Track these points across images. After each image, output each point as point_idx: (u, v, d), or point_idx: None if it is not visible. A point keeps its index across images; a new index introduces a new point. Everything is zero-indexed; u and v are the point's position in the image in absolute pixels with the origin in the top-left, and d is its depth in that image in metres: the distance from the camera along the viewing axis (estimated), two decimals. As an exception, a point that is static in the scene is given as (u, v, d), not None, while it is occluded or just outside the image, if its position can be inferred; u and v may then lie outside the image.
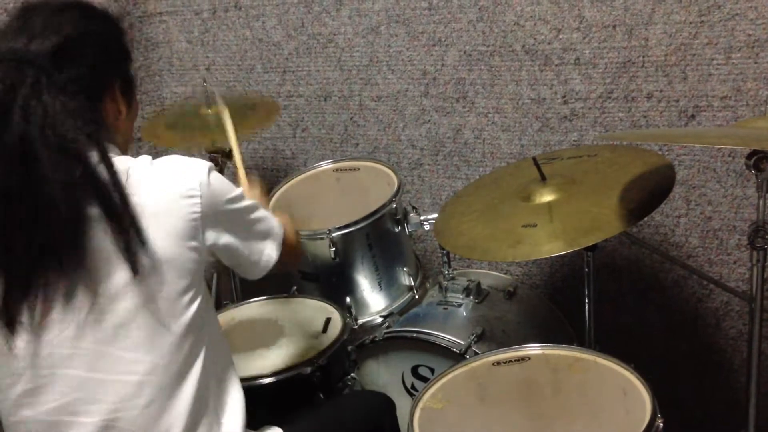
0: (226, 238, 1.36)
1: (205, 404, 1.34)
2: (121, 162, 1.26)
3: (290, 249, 1.54)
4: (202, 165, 1.31)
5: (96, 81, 1.29)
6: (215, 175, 1.32)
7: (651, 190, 1.64)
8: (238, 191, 1.38)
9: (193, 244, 1.28)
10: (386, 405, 1.80)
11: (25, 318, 1.22)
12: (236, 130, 1.87)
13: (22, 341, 1.23)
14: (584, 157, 1.92)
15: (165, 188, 1.27)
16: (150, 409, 1.26)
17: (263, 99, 2.55)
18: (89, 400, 1.25)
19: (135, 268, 1.21)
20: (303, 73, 2.60)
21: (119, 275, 1.22)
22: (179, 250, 1.26)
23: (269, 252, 1.47)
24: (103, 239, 1.21)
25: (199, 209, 1.27)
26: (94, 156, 1.21)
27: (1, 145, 1.17)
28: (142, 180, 1.25)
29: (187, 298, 1.28)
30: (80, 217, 1.19)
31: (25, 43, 1.22)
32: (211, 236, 1.32)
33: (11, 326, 1.22)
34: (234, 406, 1.41)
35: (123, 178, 1.23)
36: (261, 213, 1.46)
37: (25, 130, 1.17)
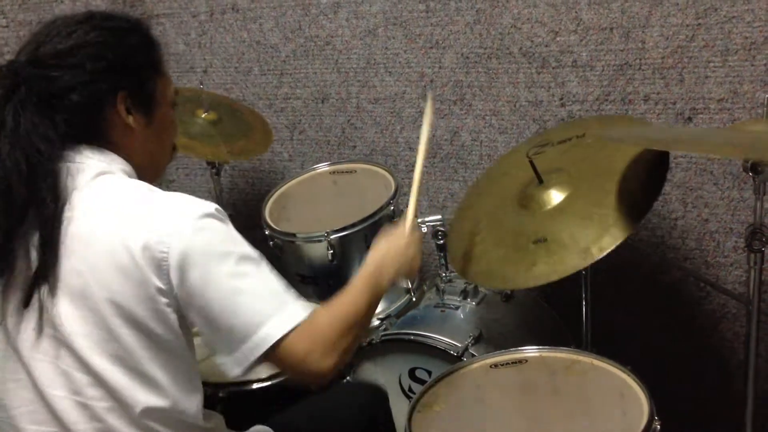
0: (197, 295, 1.23)
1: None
2: (104, 183, 1.26)
3: (322, 345, 1.26)
4: (194, 210, 1.24)
5: (95, 92, 1.27)
6: (210, 220, 1.25)
7: (648, 172, 1.62)
8: (237, 251, 1.26)
9: (160, 286, 1.22)
10: (379, 396, 1.80)
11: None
12: (229, 149, 1.82)
13: None
14: (573, 139, 1.90)
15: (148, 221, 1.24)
16: None
17: (260, 120, 2.54)
18: (36, 421, 1.26)
19: (26, 300, 1.21)
20: (300, 75, 2.60)
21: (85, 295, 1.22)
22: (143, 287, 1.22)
23: (272, 326, 1.23)
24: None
25: (168, 256, 1.21)
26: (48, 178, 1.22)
27: None
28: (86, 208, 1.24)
29: (149, 338, 1.24)
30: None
31: (18, 54, 1.25)
32: (178, 286, 1.22)
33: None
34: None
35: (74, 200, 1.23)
36: (251, 281, 1.26)
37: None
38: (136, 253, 1.19)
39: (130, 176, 1.30)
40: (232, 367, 1.25)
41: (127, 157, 1.32)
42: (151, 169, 1.37)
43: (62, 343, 1.22)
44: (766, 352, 2.15)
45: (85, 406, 1.24)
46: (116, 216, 1.23)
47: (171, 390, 1.26)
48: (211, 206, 1.26)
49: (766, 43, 1.98)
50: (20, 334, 1.24)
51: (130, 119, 1.32)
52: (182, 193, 1.27)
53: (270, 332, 1.22)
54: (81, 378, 1.23)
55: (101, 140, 1.29)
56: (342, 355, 1.28)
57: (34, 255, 1.22)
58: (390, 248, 1.47)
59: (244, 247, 1.26)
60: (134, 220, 1.22)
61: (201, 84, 2.52)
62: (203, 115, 2.35)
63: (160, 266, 1.19)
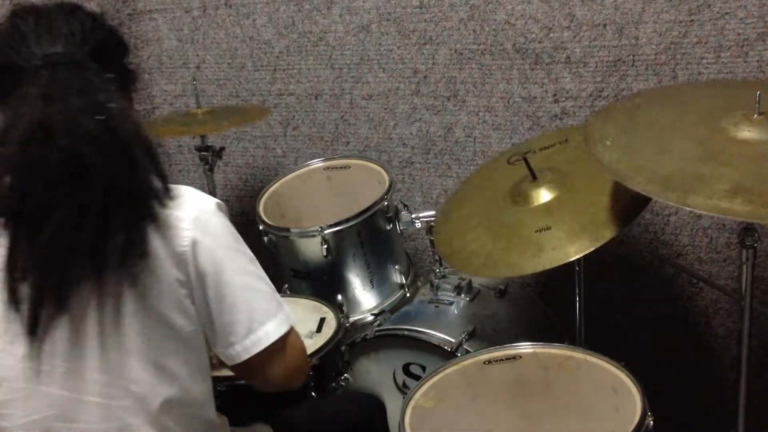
0: (211, 287, 1.26)
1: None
2: None
3: (296, 359, 1.36)
4: (205, 203, 1.27)
5: (124, 77, 1.31)
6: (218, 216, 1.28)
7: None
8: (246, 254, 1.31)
9: (179, 277, 1.23)
10: (376, 406, 1.80)
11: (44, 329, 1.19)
12: (225, 126, 1.83)
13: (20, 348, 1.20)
14: (556, 145, 1.92)
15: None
16: None
17: (254, 106, 2.56)
18: (64, 419, 1.23)
19: (144, 254, 1.19)
20: (294, 71, 2.60)
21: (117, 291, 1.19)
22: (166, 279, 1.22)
23: (273, 326, 1.30)
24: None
25: (188, 248, 1.23)
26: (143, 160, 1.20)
27: (54, 156, 1.14)
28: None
29: (170, 329, 1.24)
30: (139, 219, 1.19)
31: (64, 46, 1.19)
32: (195, 277, 1.25)
33: (34, 334, 1.19)
34: None
35: None
36: (268, 286, 1.33)
37: (70, 141, 1.14)
38: (155, 244, 1.20)
39: None
40: (228, 358, 1.31)
41: None
42: None
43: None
44: (759, 348, 2.16)
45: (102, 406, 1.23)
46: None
47: (184, 377, 1.27)
48: (218, 202, 1.30)
49: (758, 39, 1.98)
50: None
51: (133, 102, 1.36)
52: (189, 187, 1.29)
53: (271, 330, 1.29)
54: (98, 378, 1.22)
55: None
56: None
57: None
58: None
59: (245, 245, 1.32)
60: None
61: (194, 80, 2.52)
62: (198, 110, 2.36)
63: (180, 258, 1.22)
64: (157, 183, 1.21)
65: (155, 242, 1.20)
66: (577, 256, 1.61)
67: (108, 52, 1.26)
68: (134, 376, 1.22)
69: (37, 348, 1.19)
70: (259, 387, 1.41)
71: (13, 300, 1.17)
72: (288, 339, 1.32)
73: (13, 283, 1.17)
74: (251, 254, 1.32)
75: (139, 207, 1.19)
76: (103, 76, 1.20)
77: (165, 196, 1.21)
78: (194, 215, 1.24)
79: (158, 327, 1.23)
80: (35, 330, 1.18)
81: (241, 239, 1.31)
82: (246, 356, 1.29)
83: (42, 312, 1.17)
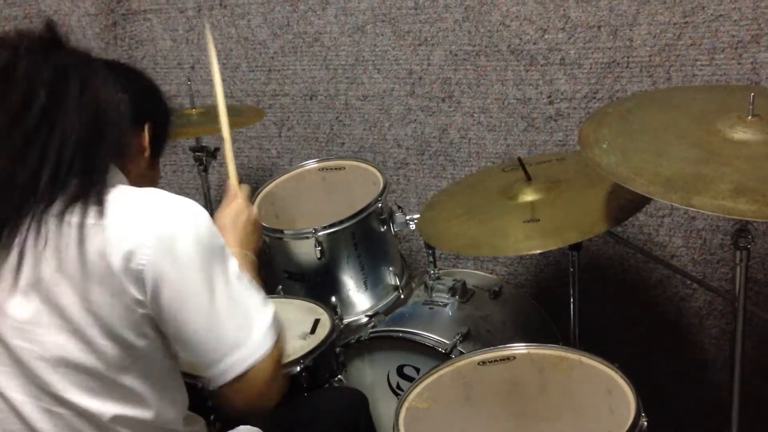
0: (170, 310, 1.15)
1: None
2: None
3: (278, 375, 1.25)
4: (172, 218, 1.16)
5: (132, 109, 1.28)
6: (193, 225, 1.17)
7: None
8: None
9: (137, 297, 1.15)
10: (360, 401, 1.80)
11: None
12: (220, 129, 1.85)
13: None
14: (553, 161, 1.95)
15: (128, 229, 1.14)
16: None
17: (249, 107, 2.56)
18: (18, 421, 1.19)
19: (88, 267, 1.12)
20: (288, 72, 2.60)
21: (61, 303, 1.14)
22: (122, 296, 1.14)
23: (263, 334, 1.20)
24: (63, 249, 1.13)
25: (147, 266, 1.12)
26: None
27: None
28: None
29: (125, 347, 1.17)
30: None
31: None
32: (153, 299, 1.15)
33: None
34: None
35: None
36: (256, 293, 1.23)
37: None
38: (114, 262, 1.11)
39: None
40: (206, 381, 1.22)
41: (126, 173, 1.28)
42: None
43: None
44: (752, 349, 2.17)
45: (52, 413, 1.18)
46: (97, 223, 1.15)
47: (153, 401, 1.22)
48: (193, 206, 1.19)
49: (752, 41, 1.99)
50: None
51: (146, 150, 1.35)
52: (160, 192, 1.20)
53: (234, 363, 1.18)
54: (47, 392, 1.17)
55: (116, 157, 1.24)
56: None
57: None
58: (239, 228, 1.50)
59: (220, 253, 1.20)
60: (113, 228, 1.13)
61: (189, 80, 2.51)
62: (192, 111, 2.35)
63: (138, 278, 1.12)
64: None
65: (109, 253, 1.11)
66: (564, 244, 1.62)
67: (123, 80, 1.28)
68: (89, 390, 1.17)
69: None
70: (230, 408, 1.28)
71: None
72: (256, 367, 1.19)
73: None
74: (227, 263, 1.19)
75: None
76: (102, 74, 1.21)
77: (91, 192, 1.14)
78: (159, 233, 1.13)
79: (107, 343, 1.15)
80: None
81: (216, 249, 1.18)
82: (212, 386, 1.20)
83: None
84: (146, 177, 1.36)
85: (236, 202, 1.56)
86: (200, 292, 1.16)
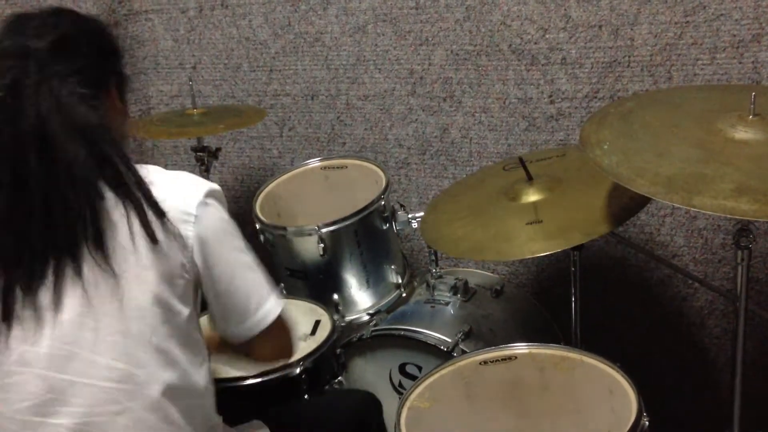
0: (218, 266, 1.32)
1: (188, 423, 1.29)
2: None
3: (286, 336, 1.48)
4: (205, 186, 1.32)
5: (95, 76, 1.30)
6: (216, 200, 1.32)
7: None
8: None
9: (183, 261, 1.27)
10: (373, 404, 1.80)
11: (23, 312, 1.20)
12: (221, 129, 1.85)
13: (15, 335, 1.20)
14: (553, 158, 1.94)
15: (168, 198, 1.26)
16: (122, 417, 1.23)
17: (250, 107, 2.57)
18: (59, 402, 1.22)
19: (153, 238, 1.22)
20: (290, 72, 2.60)
21: (119, 274, 1.21)
22: (169, 262, 1.25)
23: (272, 304, 1.40)
24: (118, 224, 1.21)
25: (192, 230, 1.27)
26: (106, 138, 1.24)
27: (16, 132, 1.19)
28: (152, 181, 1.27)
29: (170, 313, 1.26)
30: (96, 196, 1.21)
31: (24, 40, 1.25)
32: (200, 260, 1.30)
33: (8, 321, 1.20)
34: None
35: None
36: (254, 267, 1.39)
37: (39, 115, 1.19)
38: (158, 232, 1.23)
39: None
40: (235, 337, 1.41)
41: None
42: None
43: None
44: (754, 349, 2.17)
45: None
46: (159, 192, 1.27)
47: (183, 363, 1.29)
48: (213, 188, 1.34)
49: (753, 40, 1.99)
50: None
51: (119, 103, 1.37)
52: (185, 173, 1.34)
53: (269, 311, 1.39)
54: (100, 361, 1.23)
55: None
56: None
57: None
58: None
59: (238, 231, 1.38)
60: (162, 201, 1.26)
61: (190, 80, 2.52)
62: (194, 110, 2.36)
63: (185, 244, 1.26)
64: (120, 167, 1.23)
65: (156, 227, 1.23)
66: (567, 246, 1.62)
67: (74, 47, 1.29)
68: (135, 359, 1.23)
69: (21, 331, 1.20)
70: (256, 360, 1.56)
71: None
72: (282, 317, 1.41)
73: None
74: (244, 241, 1.38)
75: (119, 186, 1.22)
76: (54, 66, 1.24)
77: (133, 180, 1.23)
78: (194, 202, 1.28)
79: (156, 310, 1.24)
80: (8, 316, 1.20)
81: (235, 225, 1.36)
82: (248, 336, 1.39)
83: (15, 296, 1.19)
84: (123, 126, 1.38)
85: None
86: (236, 251, 1.35)
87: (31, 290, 1.19)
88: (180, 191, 1.30)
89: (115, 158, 1.23)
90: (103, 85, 1.33)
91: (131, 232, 1.21)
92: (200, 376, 1.33)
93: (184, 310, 1.28)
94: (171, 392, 1.26)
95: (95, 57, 1.31)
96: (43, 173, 1.19)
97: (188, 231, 1.27)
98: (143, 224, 1.22)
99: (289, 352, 1.54)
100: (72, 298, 1.20)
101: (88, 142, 1.21)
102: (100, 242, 1.20)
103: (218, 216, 1.32)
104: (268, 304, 1.39)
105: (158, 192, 1.26)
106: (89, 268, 1.20)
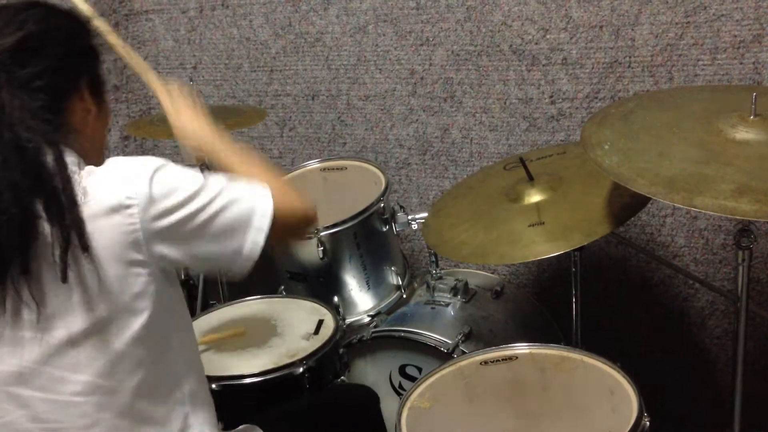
0: (184, 250, 1.21)
1: (162, 426, 1.27)
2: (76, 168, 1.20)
3: (292, 220, 1.32)
4: (144, 168, 1.18)
5: (62, 78, 1.23)
6: (159, 177, 1.18)
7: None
8: (190, 189, 1.20)
9: (137, 258, 1.18)
10: (370, 398, 1.80)
11: None
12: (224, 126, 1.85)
13: None
14: (554, 156, 1.94)
15: (99, 198, 1.16)
16: (93, 430, 1.22)
17: (250, 108, 2.56)
18: (33, 419, 1.21)
19: (64, 275, 1.12)
20: (290, 72, 2.60)
21: (63, 290, 1.15)
22: (119, 265, 1.17)
23: (252, 242, 1.24)
24: (49, 248, 1.14)
25: (137, 221, 1.16)
26: (49, 158, 1.15)
27: None
28: (87, 187, 1.17)
29: (134, 315, 1.20)
30: (28, 220, 1.13)
31: None
32: (162, 250, 1.19)
33: None
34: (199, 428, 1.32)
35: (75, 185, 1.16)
36: (230, 198, 1.23)
37: None
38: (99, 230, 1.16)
39: (78, 166, 1.22)
40: (246, 261, 1.26)
41: (80, 146, 1.25)
42: (97, 155, 1.31)
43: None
44: (755, 349, 2.17)
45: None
46: (92, 195, 1.17)
47: (148, 362, 1.24)
48: (148, 164, 1.21)
49: (754, 41, 1.99)
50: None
51: (92, 104, 1.29)
52: (114, 159, 1.22)
53: (255, 233, 1.24)
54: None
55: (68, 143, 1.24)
56: None
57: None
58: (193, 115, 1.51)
59: (189, 175, 1.23)
60: (101, 195, 1.17)
61: (191, 80, 2.52)
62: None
63: (135, 241, 1.17)
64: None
65: (100, 228, 1.15)
66: (570, 249, 1.62)
67: (39, 48, 1.21)
68: (96, 371, 1.20)
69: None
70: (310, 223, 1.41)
71: None
72: (277, 215, 1.26)
73: None
74: (197, 178, 1.23)
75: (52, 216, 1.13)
76: (14, 72, 1.16)
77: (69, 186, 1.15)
78: (130, 196, 1.16)
79: (115, 318, 1.19)
80: None
81: (183, 183, 1.21)
82: (250, 262, 1.26)
83: None
84: (99, 125, 1.33)
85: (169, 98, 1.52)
86: (192, 204, 1.20)
87: None
88: (110, 185, 1.17)
89: (54, 183, 1.14)
90: (72, 88, 1.25)
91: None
92: (172, 365, 1.28)
93: (147, 313, 1.21)
94: (139, 392, 1.23)
95: (64, 57, 1.23)
96: None
97: (130, 223, 1.16)
98: (61, 259, 1.13)
99: (308, 223, 1.39)
100: (29, 316, 1.17)
101: (27, 164, 1.13)
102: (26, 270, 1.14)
103: (159, 198, 1.18)
104: (245, 249, 1.24)
105: (94, 189, 1.16)
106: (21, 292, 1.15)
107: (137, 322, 1.20)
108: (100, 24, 1.42)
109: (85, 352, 1.19)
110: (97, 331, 1.18)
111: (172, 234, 1.19)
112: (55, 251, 1.13)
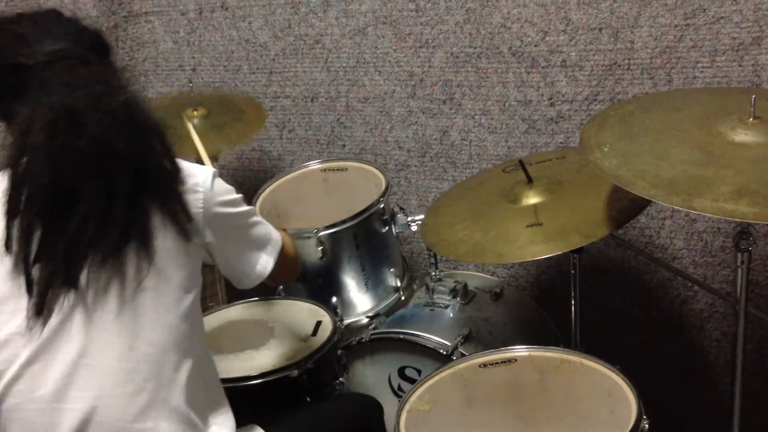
0: (222, 240, 1.41)
1: (195, 408, 1.33)
2: None
3: (287, 263, 1.61)
4: (208, 168, 1.39)
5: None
6: (219, 179, 1.40)
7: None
8: (238, 196, 1.45)
9: (194, 239, 1.33)
10: (374, 408, 1.80)
11: (58, 301, 1.23)
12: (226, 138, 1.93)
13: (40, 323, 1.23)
14: (553, 160, 1.95)
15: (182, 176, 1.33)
16: (136, 399, 1.26)
17: (250, 101, 2.55)
18: (78, 387, 1.24)
19: (187, 235, 1.30)
20: (290, 74, 2.60)
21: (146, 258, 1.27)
22: (184, 241, 1.32)
23: (264, 262, 1.52)
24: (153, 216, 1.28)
25: (201, 205, 1.34)
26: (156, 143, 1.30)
27: (83, 141, 1.20)
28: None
29: (186, 291, 1.32)
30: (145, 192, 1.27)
31: (65, 44, 1.27)
32: (209, 235, 1.37)
33: (40, 310, 1.22)
34: (224, 422, 1.41)
35: None
36: (259, 219, 1.52)
37: (99, 125, 1.21)
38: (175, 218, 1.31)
39: None
40: (256, 278, 1.53)
41: None
42: None
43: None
44: (753, 351, 2.17)
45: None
46: None
47: (194, 341, 1.35)
48: (212, 170, 1.41)
49: (753, 43, 1.99)
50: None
51: None
52: (182, 161, 1.37)
53: (276, 243, 1.55)
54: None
55: None
56: None
57: None
58: None
59: (239, 197, 1.48)
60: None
61: (190, 82, 2.51)
62: (193, 113, 2.34)
63: (196, 224, 1.33)
64: (169, 165, 1.31)
65: (175, 215, 1.30)
66: (568, 249, 1.62)
67: (100, 50, 1.33)
68: (150, 340, 1.27)
69: (44, 324, 1.23)
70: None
71: (30, 283, 1.22)
72: (282, 253, 1.55)
73: (30, 267, 1.21)
74: (244, 204, 1.49)
75: (160, 189, 1.29)
76: (108, 67, 1.30)
77: (177, 178, 1.31)
78: (199, 183, 1.35)
79: (172, 295, 1.30)
80: (41, 310, 1.22)
81: (234, 192, 1.45)
82: (259, 280, 1.53)
83: (52, 292, 1.22)
84: None
85: None
86: (237, 211, 1.46)
87: (69, 282, 1.23)
88: (185, 173, 1.34)
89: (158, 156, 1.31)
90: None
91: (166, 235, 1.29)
92: (207, 355, 1.43)
93: (194, 291, 1.35)
94: (188, 372, 1.31)
95: (106, 55, 1.36)
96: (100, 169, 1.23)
97: (197, 206, 1.34)
98: (178, 226, 1.30)
99: (291, 272, 1.72)
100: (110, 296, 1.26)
101: (147, 141, 1.28)
102: (120, 245, 1.25)
103: (218, 199, 1.39)
104: (259, 266, 1.51)
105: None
106: (131, 266, 1.26)
107: (187, 301, 1.33)
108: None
109: (139, 320, 1.27)
110: (154, 299, 1.29)
111: (221, 224, 1.39)
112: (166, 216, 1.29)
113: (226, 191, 1.42)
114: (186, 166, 1.36)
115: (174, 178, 1.31)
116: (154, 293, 1.28)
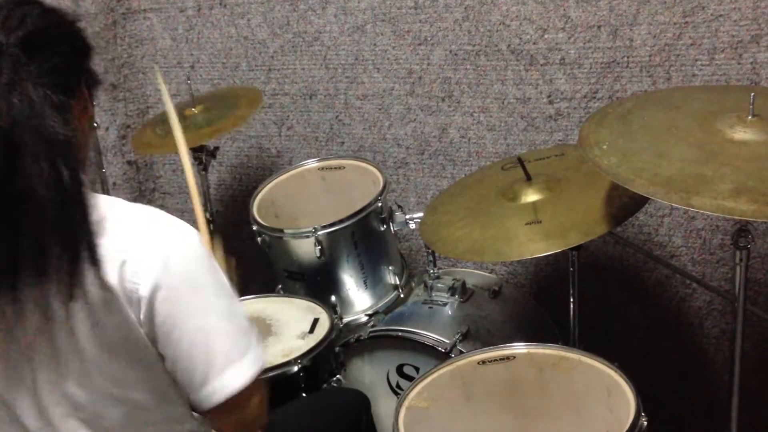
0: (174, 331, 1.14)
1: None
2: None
3: (254, 411, 1.24)
4: (179, 235, 1.15)
5: (68, 76, 1.17)
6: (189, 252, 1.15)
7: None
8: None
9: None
10: (362, 402, 1.80)
11: None
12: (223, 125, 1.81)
13: None
14: (552, 157, 1.95)
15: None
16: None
17: (245, 89, 2.54)
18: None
19: (71, 292, 1.07)
20: (288, 71, 2.59)
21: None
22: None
23: (228, 379, 1.16)
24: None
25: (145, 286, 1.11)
26: (70, 158, 1.09)
27: None
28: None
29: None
30: (70, 212, 1.07)
31: None
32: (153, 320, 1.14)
33: None
34: None
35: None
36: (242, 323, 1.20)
37: (12, 119, 1.04)
38: (113, 284, 1.11)
39: None
40: (198, 403, 1.20)
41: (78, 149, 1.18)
42: (84, 161, 1.24)
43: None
44: (752, 349, 2.17)
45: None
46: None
47: (152, 403, 1.21)
48: (192, 233, 1.17)
49: (752, 41, 1.99)
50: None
51: (89, 104, 1.23)
52: (160, 213, 1.19)
53: (228, 381, 1.17)
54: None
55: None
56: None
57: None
58: None
59: (215, 274, 1.19)
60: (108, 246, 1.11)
61: (188, 79, 2.51)
62: (193, 110, 2.34)
63: (136, 300, 1.12)
64: (80, 209, 1.09)
65: (111, 278, 1.10)
66: (567, 247, 1.62)
67: (45, 42, 1.14)
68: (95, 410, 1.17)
69: None
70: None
71: None
72: (249, 389, 1.18)
73: None
74: (222, 285, 1.19)
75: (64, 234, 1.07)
76: (28, 67, 1.09)
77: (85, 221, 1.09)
78: (161, 255, 1.12)
79: (119, 360, 1.15)
80: None
81: (211, 267, 1.18)
82: (206, 406, 1.19)
83: None
84: (89, 130, 1.26)
85: None
86: (199, 297, 1.16)
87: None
88: (144, 244, 1.13)
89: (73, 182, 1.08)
90: (76, 87, 1.20)
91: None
92: (172, 407, 1.24)
93: (150, 356, 1.17)
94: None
95: (68, 55, 1.17)
96: (8, 187, 1.04)
97: (142, 293, 1.11)
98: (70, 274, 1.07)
99: (261, 422, 1.28)
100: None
101: (51, 161, 1.06)
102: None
103: (180, 277, 1.14)
104: (218, 381, 1.16)
105: (114, 236, 1.12)
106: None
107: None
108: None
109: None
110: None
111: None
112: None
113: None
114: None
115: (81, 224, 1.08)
116: (99, 364, 1.13)
